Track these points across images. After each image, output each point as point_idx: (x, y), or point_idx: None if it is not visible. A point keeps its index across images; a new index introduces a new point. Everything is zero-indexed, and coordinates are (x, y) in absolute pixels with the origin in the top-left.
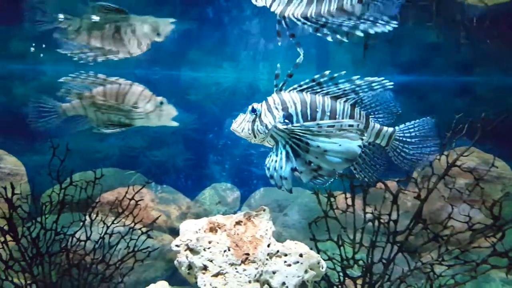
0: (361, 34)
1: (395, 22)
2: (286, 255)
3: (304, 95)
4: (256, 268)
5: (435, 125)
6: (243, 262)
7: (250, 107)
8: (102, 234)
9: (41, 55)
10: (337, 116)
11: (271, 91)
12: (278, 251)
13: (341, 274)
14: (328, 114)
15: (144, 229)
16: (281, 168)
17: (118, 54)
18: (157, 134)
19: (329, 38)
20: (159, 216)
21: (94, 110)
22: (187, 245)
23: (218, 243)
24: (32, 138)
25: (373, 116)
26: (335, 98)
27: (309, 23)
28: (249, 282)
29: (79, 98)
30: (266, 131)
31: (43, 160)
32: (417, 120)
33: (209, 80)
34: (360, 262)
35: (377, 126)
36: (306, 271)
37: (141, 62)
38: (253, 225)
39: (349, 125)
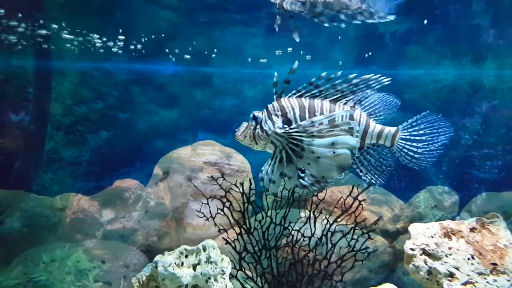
0: (359, 22)
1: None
2: None
3: (302, 100)
4: (508, 280)
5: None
6: (491, 272)
7: (251, 115)
8: (325, 232)
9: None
10: (336, 119)
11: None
12: None
13: None
14: None
15: (357, 229)
16: (272, 172)
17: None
18: None
19: (326, 24)
20: (379, 218)
21: None
22: (423, 249)
23: (458, 250)
24: None
25: (374, 115)
26: (334, 100)
27: (305, 12)
28: None
29: None
30: (267, 137)
31: (265, 158)
32: (418, 116)
33: (427, 78)
34: None
35: (378, 127)
36: None
37: (357, 61)
38: (490, 233)
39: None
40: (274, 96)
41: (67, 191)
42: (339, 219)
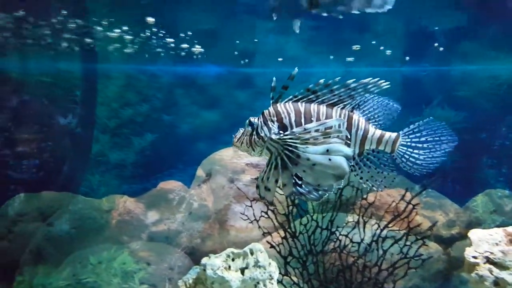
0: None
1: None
2: None
3: (298, 105)
4: None
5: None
6: None
7: (247, 121)
8: (376, 237)
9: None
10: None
11: None
12: None
13: None
14: None
15: (410, 235)
16: (268, 179)
17: None
18: None
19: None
20: (435, 223)
21: None
22: (487, 257)
23: None
24: None
25: (373, 120)
26: (332, 105)
27: None
28: None
29: None
30: (263, 144)
31: None
32: (420, 122)
33: (483, 74)
34: None
35: (378, 132)
36: None
37: (409, 59)
38: None
39: (334, 128)
40: (271, 101)
41: (113, 193)
42: (390, 224)
